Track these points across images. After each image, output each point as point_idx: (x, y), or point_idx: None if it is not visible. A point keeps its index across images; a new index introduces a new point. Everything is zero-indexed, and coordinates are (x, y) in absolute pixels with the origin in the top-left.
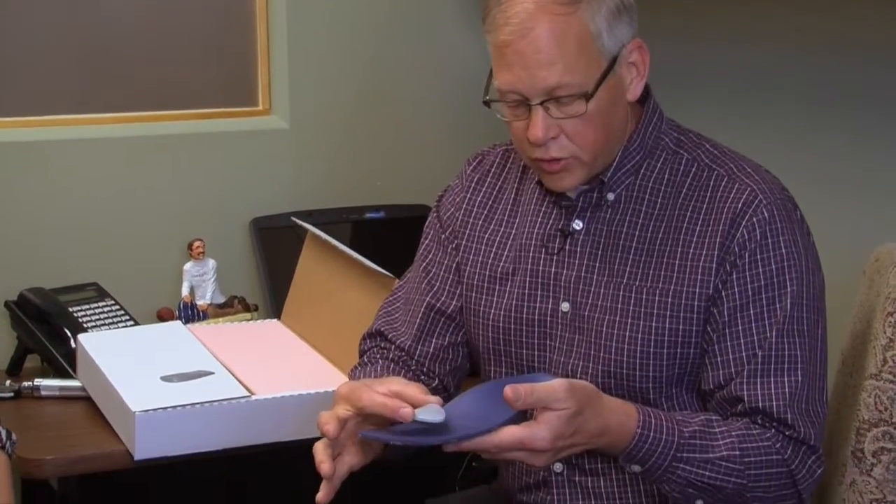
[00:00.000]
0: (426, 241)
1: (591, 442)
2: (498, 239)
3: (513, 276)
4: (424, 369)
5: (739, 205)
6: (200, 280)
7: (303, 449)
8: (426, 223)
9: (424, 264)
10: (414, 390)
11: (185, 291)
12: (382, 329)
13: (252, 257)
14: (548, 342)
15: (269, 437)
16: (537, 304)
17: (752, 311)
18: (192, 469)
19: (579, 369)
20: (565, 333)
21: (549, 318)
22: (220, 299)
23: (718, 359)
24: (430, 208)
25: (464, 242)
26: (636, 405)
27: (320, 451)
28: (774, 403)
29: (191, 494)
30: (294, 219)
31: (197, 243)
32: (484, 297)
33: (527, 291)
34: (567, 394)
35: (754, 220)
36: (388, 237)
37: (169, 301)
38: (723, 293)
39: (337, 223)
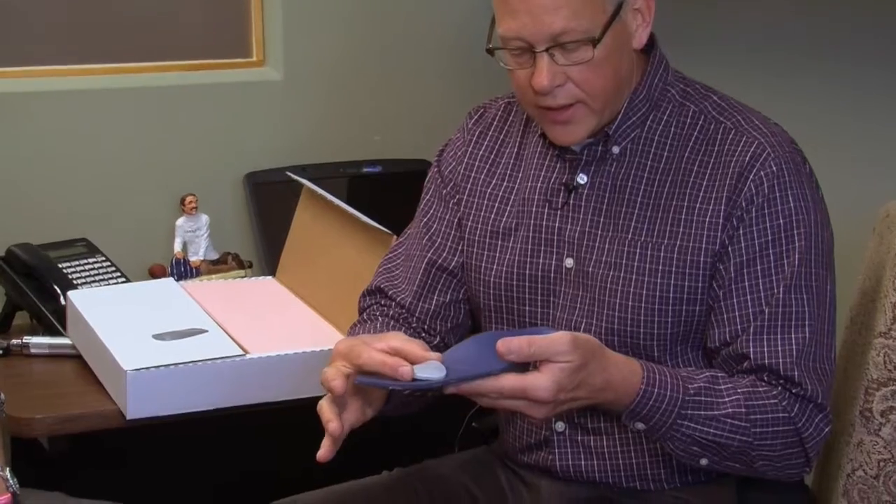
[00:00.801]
0: (427, 197)
1: (593, 397)
2: (500, 194)
3: (515, 231)
4: (425, 327)
5: (747, 158)
6: (193, 236)
7: (298, 409)
8: (427, 178)
9: (425, 220)
10: (414, 347)
11: (177, 247)
12: (382, 286)
13: (246, 213)
14: (551, 299)
15: (264, 397)
16: (540, 260)
17: (759, 267)
18: (185, 429)
19: (583, 326)
20: (569, 290)
21: (552, 275)
22: (214, 255)
23: (724, 315)
24: (429, 163)
25: (465, 197)
26: (641, 361)
27: (327, 410)
28: (781, 360)
29: (183, 454)
30: (289, 173)
31: (189, 198)
32: (486, 252)
33: (530, 247)
34: (571, 346)
35: (762, 173)
36: (385, 192)
37: (161, 257)
38: (729, 248)
39: (333, 178)
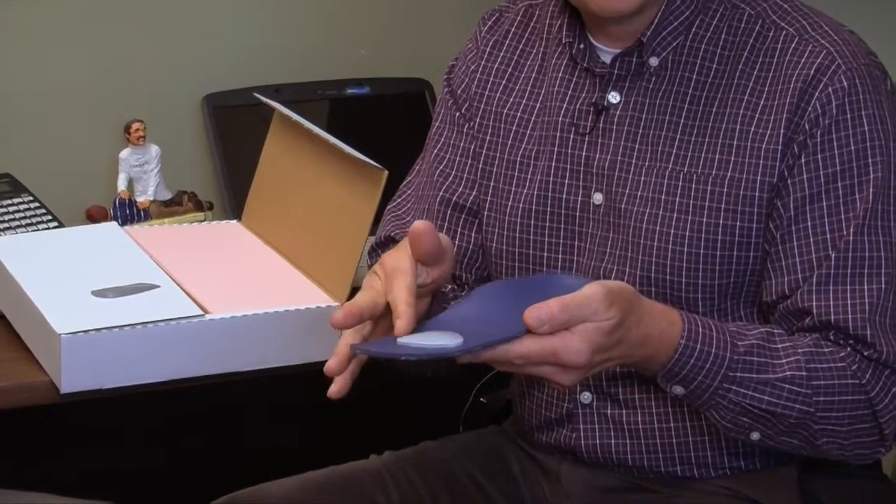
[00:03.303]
0: (437, 123)
1: (629, 355)
2: (519, 115)
3: (535, 160)
4: (458, 277)
5: (812, 71)
6: (141, 171)
7: (268, 381)
8: (438, 101)
9: (436, 151)
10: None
11: (121, 185)
12: (393, 234)
13: (205, 143)
14: (576, 243)
15: (228, 367)
16: (563, 196)
17: (824, 204)
18: (133, 405)
19: (613, 275)
20: (597, 231)
21: (577, 213)
22: (166, 195)
23: (783, 262)
24: (425, 83)
25: (479, 120)
26: (681, 312)
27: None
28: (850, 316)
29: (130, 436)
30: (257, 95)
31: (136, 125)
32: (501, 186)
33: (551, 180)
34: (606, 303)
35: (830, 89)
36: (374, 118)
37: (101, 198)
38: (789, 181)
39: (311, 101)
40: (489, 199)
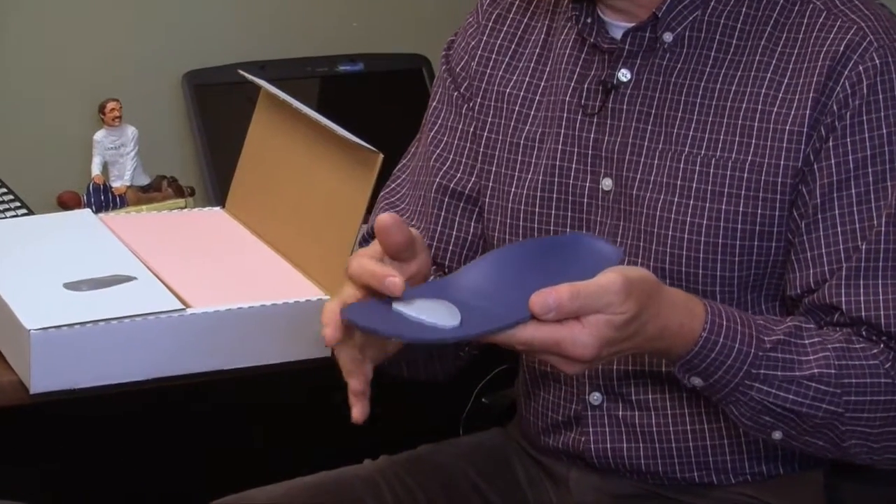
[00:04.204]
0: (434, 103)
1: (642, 347)
2: (522, 94)
3: (540, 143)
4: (447, 271)
5: (841, 48)
6: (116, 154)
7: (253, 380)
8: (436, 79)
9: (433, 133)
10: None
11: (95, 170)
12: None
13: (185, 124)
14: (583, 231)
15: (210, 365)
16: (570, 181)
17: (853, 191)
18: (108, 407)
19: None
20: (606, 219)
21: (585, 200)
22: (145, 180)
23: (808, 254)
24: (423, 59)
25: (479, 100)
26: (705, 301)
27: (346, 359)
28: (883, 313)
29: (106, 440)
30: (242, 72)
31: (111, 105)
32: (504, 171)
33: (557, 164)
34: (623, 295)
35: (860, 67)
36: (368, 97)
37: (74, 183)
38: (815, 166)
39: (299, 78)
40: (490, 184)
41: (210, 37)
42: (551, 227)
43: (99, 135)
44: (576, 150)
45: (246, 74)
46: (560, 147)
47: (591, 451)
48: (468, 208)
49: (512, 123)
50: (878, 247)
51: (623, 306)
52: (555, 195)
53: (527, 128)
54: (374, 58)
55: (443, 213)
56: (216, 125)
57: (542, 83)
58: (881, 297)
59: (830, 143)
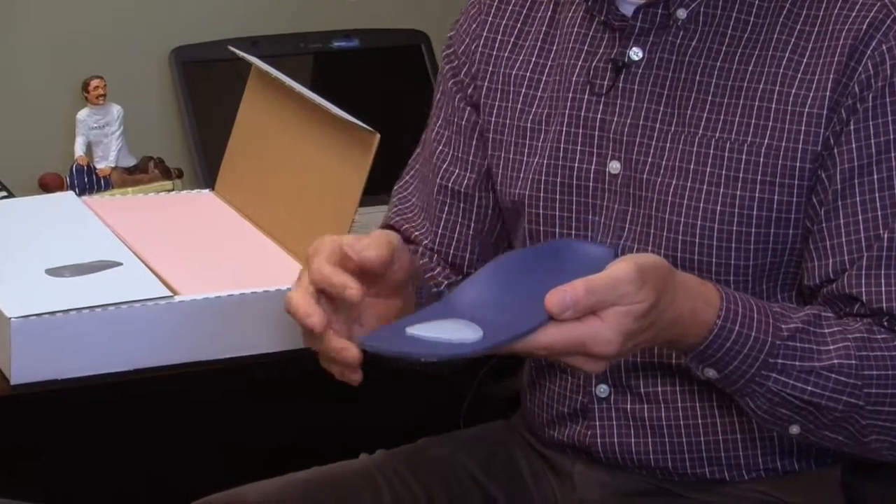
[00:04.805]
0: (437, 94)
1: (658, 336)
2: (528, 75)
3: (546, 126)
4: (466, 270)
5: (864, 26)
6: (101, 134)
7: (244, 370)
8: (439, 67)
9: (436, 128)
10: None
11: (79, 150)
12: (393, 223)
13: (173, 103)
14: (589, 217)
15: (199, 355)
16: (576, 164)
17: (875, 177)
18: (91, 399)
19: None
20: (613, 205)
21: (591, 184)
22: (131, 161)
23: (827, 242)
24: (421, 34)
25: (486, 84)
26: (718, 287)
27: (300, 303)
28: None
29: (91, 434)
30: (232, 48)
31: (95, 82)
32: (512, 157)
33: (562, 146)
34: (638, 283)
35: (884, 47)
36: (364, 74)
37: (56, 164)
38: (836, 150)
39: (292, 55)
40: (500, 171)
41: (199, 11)
42: (556, 213)
43: (82, 114)
44: (581, 131)
45: (236, 51)
46: (564, 129)
47: (597, 445)
48: (468, 209)
49: (518, 107)
50: None
51: (640, 294)
52: (559, 179)
53: (533, 110)
54: (371, 33)
55: (444, 215)
56: (205, 104)
57: (549, 62)
58: None
59: (851, 127)
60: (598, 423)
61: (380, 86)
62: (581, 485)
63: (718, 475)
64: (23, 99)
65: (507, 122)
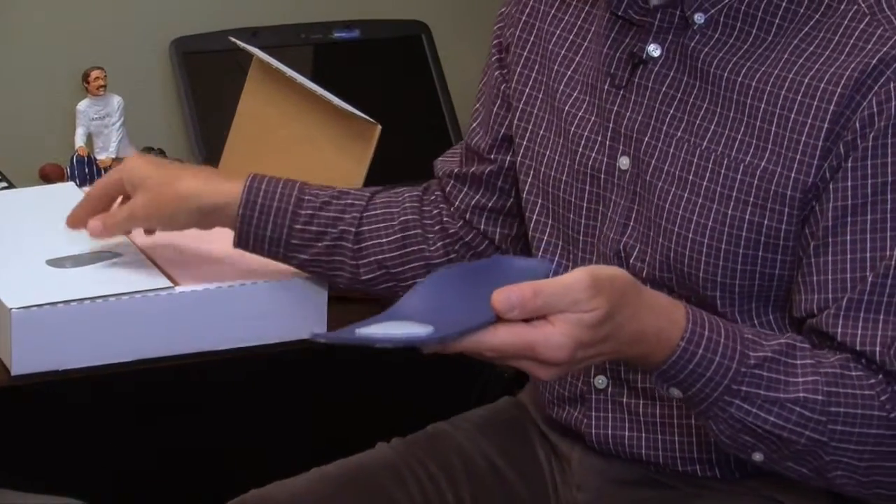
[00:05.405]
0: (484, 67)
1: (621, 351)
2: (563, 53)
3: (572, 108)
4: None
5: (874, 60)
6: (101, 125)
7: (247, 362)
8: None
9: (480, 84)
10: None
11: (79, 141)
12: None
13: (173, 93)
14: (599, 208)
15: (199, 345)
16: (592, 153)
17: (868, 217)
18: (92, 390)
19: (635, 253)
20: (620, 200)
21: (603, 175)
22: (131, 152)
23: (813, 278)
24: (422, 25)
25: (525, 54)
26: (689, 308)
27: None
28: (879, 349)
29: (91, 426)
30: (233, 39)
31: (95, 73)
32: (540, 132)
33: (581, 133)
34: (590, 291)
35: (891, 85)
36: (365, 65)
37: (57, 155)
38: (831, 186)
39: (293, 46)
40: (525, 143)
41: (200, 2)
42: (572, 199)
43: (83, 104)
44: (600, 121)
45: (237, 41)
46: (586, 116)
47: (591, 434)
48: (495, 177)
49: (551, 84)
50: (886, 281)
51: (591, 303)
52: (576, 165)
53: (561, 88)
54: (372, 24)
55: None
56: (206, 95)
57: (585, 43)
58: (879, 333)
59: (849, 164)
60: (594, 412)
61: (381, 77)
62: (578, 470)
63: (709, 472)
64: (23, 90)
65: (540, 95)
